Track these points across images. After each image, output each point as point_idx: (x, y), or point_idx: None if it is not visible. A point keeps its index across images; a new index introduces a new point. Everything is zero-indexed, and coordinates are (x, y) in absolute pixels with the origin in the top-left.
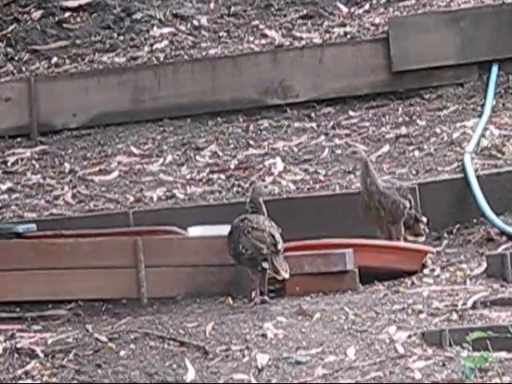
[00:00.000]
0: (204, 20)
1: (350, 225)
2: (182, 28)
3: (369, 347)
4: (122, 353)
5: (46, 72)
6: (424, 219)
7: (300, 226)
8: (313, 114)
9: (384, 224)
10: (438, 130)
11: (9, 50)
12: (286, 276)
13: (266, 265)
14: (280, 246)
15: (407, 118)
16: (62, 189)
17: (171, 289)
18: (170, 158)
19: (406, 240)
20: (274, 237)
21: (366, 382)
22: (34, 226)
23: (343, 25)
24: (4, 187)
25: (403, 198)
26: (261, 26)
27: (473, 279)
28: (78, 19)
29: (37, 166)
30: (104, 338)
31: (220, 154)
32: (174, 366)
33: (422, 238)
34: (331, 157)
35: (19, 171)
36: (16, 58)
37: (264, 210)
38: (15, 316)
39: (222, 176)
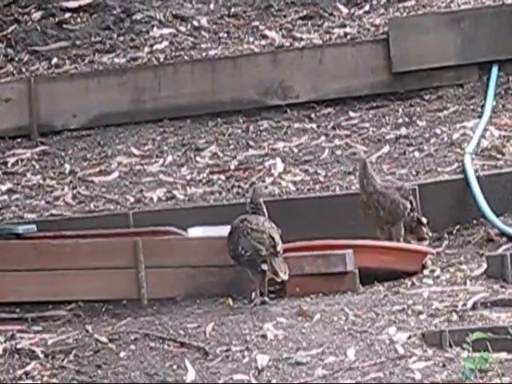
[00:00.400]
0: (204, 21)
1: (351, 225)
2: (182, 29)
3: (369, 348)
4: (122, 353)
5: (46, 73)
6: (424, 220)
7: (300, 226)
8: (313, 115)
9: (384, 224)
10: (438, 131)
11: (9, 50)
12: (285, 278)
13: (264, 266)
14: (279, 248)
15: (407, 119)
16: (62, 189)
17: (171, 289)
18: (170, 158)
19: (408, 243)
20: (273, 238)
21: (366, 382)
22: (34, 226)
23: (343, 26)
24: (4, 188)
25: (404, 199)
26: (261, 27)
27: (473, 280)
28: (78, 20)
29: (37, 166)
30: (104, 339)
31: (220, 154)
32: (174, 366)
33: (426, 242)
34: (331, 158)
35: (19, 172)
36: (16, 58)
37: (264, 210)
38: (15, 317)
39: (222, 177)
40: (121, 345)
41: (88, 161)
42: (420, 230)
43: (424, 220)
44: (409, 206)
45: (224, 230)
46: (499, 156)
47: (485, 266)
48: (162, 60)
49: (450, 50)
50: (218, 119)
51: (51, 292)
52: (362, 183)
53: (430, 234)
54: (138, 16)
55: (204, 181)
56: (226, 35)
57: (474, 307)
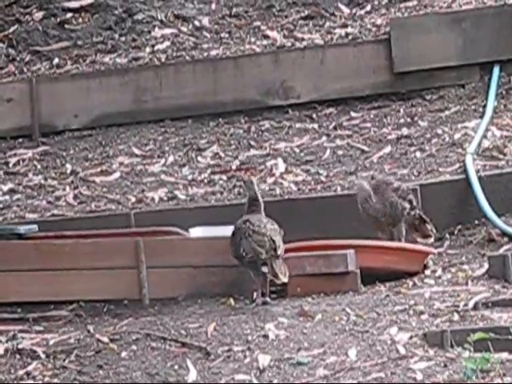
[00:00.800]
0: (205, 21)
1: (352, 226)
2: (184, 29)
3: (370, 348)
4: (124, 354)
5: (47, 73)
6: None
7: (302, 226)
8: (314, 115)
9: (385, 226)
10: (439, 131)
11: (10, 50)
12: (285, 280)
13: (265, 269)
14: (280, 251)
15: (409, 119)
16: (64, 190)
17: (173, 289)
18: (171, 158)
19: (415, 242)
20: (274, 241)
21: (367, 382)
22: (35, 226)
23: (345, 26)
24: (6, 188)
25: (402, 199)
26: (262, 27)
27: (474, 280)
28: (80, 20)
29: (38, 166)
30: (105, 339)
31: (221, 154)
32: (176, 366)
33: (431, 239)
34: (333, 158)
35: (21, 172)
36: (18, 58)
37: (261, 207)
38: (17, 317)
39: (224, 177)
40: (122, 345)
41: (89, 161)
42: (424, 227)
43: (426, 217)
44: (407, 205)
45: (225, 230)
46: (501, 156)
47: (486, 266)
48: (163, 60)
49: (452, 50)
50: (220, 119)
51: (53, 292)
52: (362, 207)
53: (435, 231)
54: (139, 16)
55: (205, 181)
56: (227, 35)
57: (475, 307)
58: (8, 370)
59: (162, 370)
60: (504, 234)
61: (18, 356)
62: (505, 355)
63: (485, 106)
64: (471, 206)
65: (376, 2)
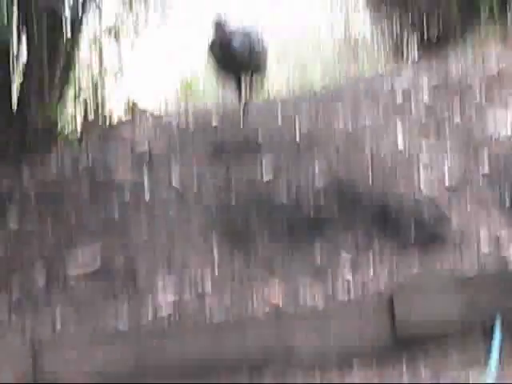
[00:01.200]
0: (208, 285)
1: None
2: (186, 291)
3: None
4: None
5: (49, 336)
6: None
7: None
8: (317, 374)
9: None
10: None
11: (13, 313)
12: None
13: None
14: None
15: (411, 368)
16: None
17: None
18: None
19: None
20: None
21: None
22: None
23: (347, 285)
24: None
25: None
26: (264, 289)
27: None
28: (83, 285)
29: None
30: None
31: None
32: None
33: None
34: None
35: None
36: (20, 322)
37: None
38: None
39: None
40: None
41: None
42: None
43: None
44: None
45: None
46: None
47: None
48: (166, 322)
49: (454, 306)
50: (222, 377)
51: None
52: None
53: None
54: (141, 278)
55: None
56: (229, 297)
57: None
58: None
59: None
60: None
61: None
62: None
63: (488, 355)
64: None
65: (378, 259)
